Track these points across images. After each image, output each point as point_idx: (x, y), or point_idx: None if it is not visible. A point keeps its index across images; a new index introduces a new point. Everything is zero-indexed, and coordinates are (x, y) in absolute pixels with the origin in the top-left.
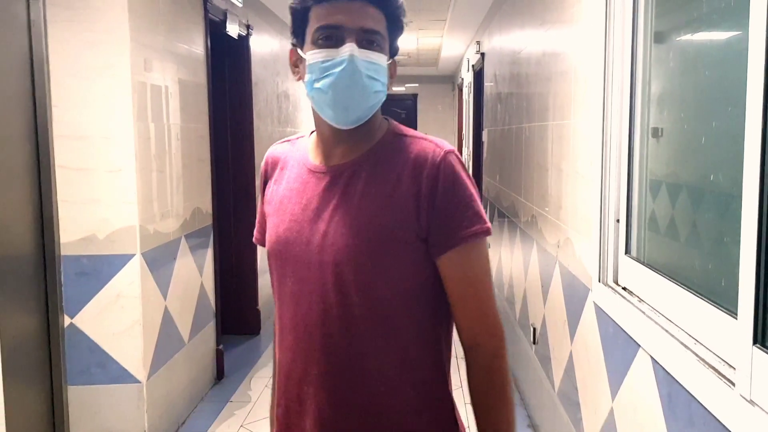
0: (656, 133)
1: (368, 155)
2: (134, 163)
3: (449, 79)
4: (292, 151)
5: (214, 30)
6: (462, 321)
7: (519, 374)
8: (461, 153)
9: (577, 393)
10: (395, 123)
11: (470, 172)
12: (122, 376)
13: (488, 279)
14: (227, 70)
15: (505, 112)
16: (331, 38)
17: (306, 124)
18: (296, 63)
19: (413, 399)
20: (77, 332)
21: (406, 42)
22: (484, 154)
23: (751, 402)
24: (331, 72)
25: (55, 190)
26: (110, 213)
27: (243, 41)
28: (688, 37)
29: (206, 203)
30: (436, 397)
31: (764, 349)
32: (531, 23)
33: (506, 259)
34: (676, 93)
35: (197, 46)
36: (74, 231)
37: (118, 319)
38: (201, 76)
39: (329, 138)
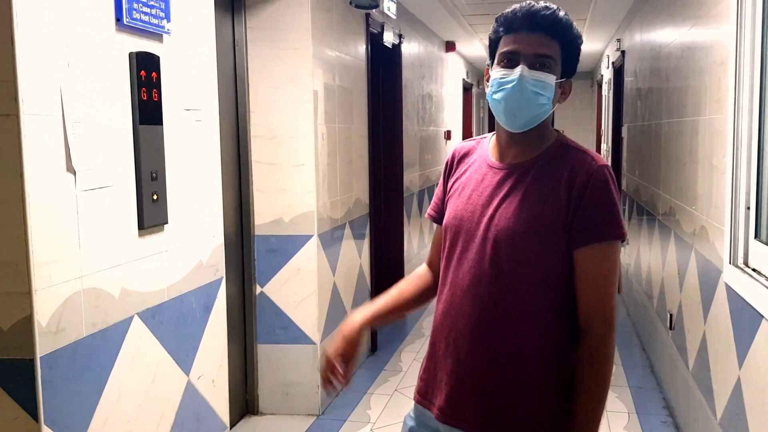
0: None
1: (537, 159)
2: (313, 159)
3: (588, 76)
4: (476, 148)
5: (372, 40)
6: (582, 306)
7: (655, 360)
8: (600, 149)
9: (709, 369)
10: (563, 135)
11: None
12: (300, 337)
13: (613, 277)
14: (381, 75)
15: (645, 108)
16: (510, 61)
17: (448, 123)
18: (487, 78)
19: (537, 360)
20: (266, 299)
21: None
22: (624, 150)
23: None
24: (504, 87)
25: (251, 181)
26: (294, 200)
27: (396, 49)
28: None
29: (364, 194)
30: (557, 359)
31: None
32: (672, 21)
33: (644, 251)
34: None
35: (360, 56)
36: (265, 215)
37: (298, 289)
38: (362, 83)
39: (505, 140)
